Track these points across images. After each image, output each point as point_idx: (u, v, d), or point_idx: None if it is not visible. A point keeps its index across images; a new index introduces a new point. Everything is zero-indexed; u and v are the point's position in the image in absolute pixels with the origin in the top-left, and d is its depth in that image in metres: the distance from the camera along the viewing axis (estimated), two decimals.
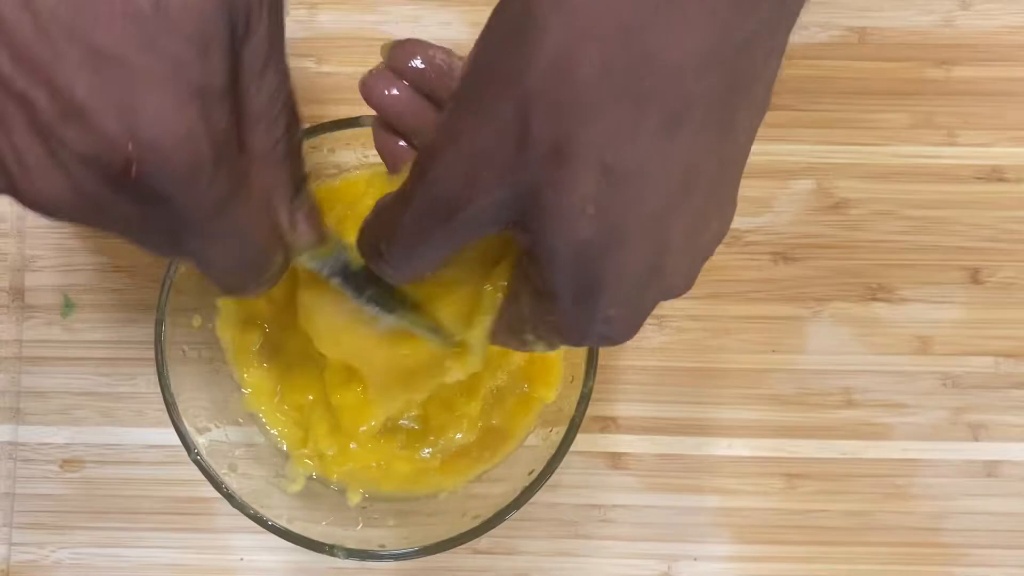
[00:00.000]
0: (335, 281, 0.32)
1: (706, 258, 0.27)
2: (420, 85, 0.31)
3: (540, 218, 0.25)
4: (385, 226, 0.28)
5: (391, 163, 0.32)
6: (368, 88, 0.31)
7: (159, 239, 0.26)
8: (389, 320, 0.33)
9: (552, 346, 0.29)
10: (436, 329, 0.33)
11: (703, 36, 0.24)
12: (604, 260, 0.25)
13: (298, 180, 0.29)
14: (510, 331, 0.30)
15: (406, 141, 0.32)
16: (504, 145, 0.25)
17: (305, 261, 0.31)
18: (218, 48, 0.24)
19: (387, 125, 0.32)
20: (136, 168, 0.24)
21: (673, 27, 0.23)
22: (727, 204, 0.27)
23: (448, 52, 0.31)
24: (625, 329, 0.27)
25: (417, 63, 0.31)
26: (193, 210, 0.25)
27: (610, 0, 0.23)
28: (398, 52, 0.31)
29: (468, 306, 0.31)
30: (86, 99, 0.23)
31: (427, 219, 0.27)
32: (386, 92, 0.31)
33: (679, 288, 0.27)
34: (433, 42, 0.31)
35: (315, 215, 0.30)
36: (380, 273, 0.29)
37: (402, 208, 0.27)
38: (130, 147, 0.23)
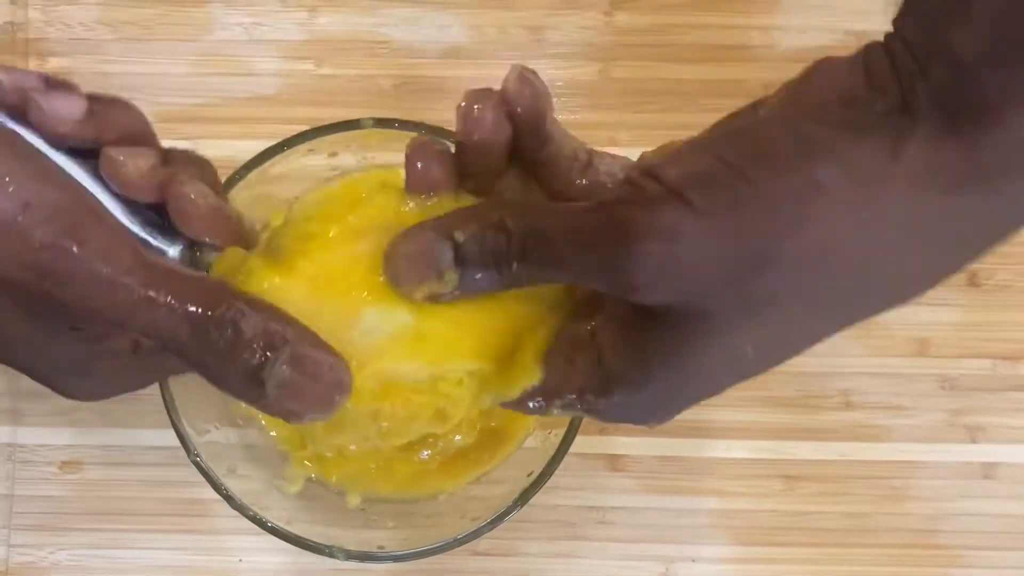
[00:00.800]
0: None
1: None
2: (519, 121, 0.29)
3: (724, 308, 0.27)
4: (539, 246, 0.27)
5: (419, 185, 0.30)
6: (470, 106, 0.29)
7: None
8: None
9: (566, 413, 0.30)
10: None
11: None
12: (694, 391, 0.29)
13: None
14: (552, 393, 0.30)
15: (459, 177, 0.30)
16: (751, 262, 0.26)
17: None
18: None
19: (456, 152, 0.29)
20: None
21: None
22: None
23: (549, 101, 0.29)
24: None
25: (530, 100, 0.28)
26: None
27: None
28: (523, 79, 0.29)
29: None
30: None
31: (608, 271, 0.26)
32: (490, 118, 0.28)
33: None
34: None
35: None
36: (499, 281, 0.27)
37: (579, 240, 0.27)
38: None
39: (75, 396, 0.31)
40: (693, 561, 0.45)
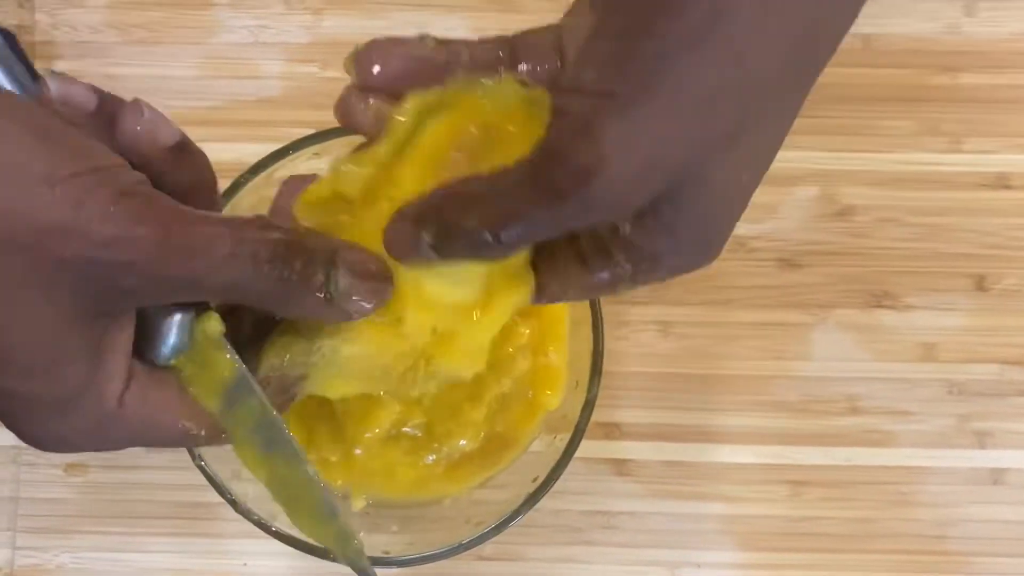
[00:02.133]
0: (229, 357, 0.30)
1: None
2: (406, 85, 0.29)
3: (700, 192, 0.26)
4: (500, 215, 0.26)
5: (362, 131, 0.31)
6: (343, 114, 0.30)
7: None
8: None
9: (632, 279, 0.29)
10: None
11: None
12: (710, 238, 0.28)
13: None
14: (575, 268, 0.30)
15: (385, 96, 0.30)
16: (690, 143, 0.25)
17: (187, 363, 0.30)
18: None
19: (361, 89, 0.30)
20: None
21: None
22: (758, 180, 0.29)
23: (417, 42, 0.30)
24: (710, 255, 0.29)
25: (389, 68, 0.30)
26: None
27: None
28: (362, 60, 0.30)
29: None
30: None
31: (568, 211, 0.26)
32: (362, 113, 0.30)
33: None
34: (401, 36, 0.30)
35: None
36: (477, 254, 0.27)
37: (531, 196, 0.26)
38: None
39: (42, 439, 0.30)
40: (699, 567, 0.45)
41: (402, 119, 0.30)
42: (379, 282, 0.29)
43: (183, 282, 0.26)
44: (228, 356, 0.29)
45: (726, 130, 0.26)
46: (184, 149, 0.29)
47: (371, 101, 0.30)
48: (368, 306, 0.29)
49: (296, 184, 0.33)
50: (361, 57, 0.30)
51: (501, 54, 0.30)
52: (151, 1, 0.48)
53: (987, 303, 0.46)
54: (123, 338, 0.28)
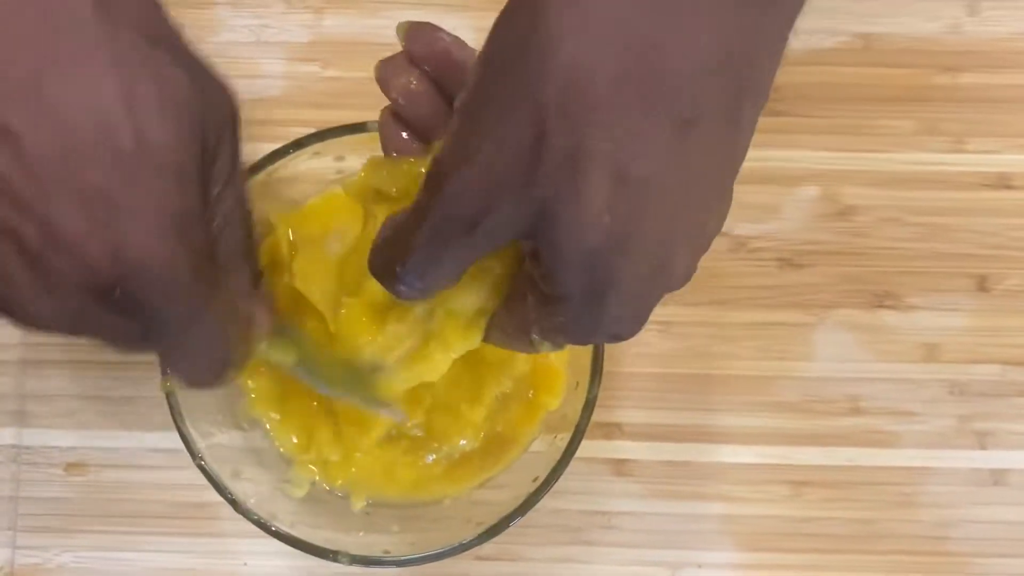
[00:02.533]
0: (297, 370, 0.33)
1: (705, 251, 0.28)
2: (435, 74, 0.31)
3: (554, 228, 0.25)
4: (400, 246, 0.28)
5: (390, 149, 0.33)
6: (385, 76, 0.32)
7: (133, 344, 0.28)
8: (347, 398, 0.34)
9: (558, 346, 0.29)
10: (385, 404, 0.34)
11: (712, 42, 0.24)
12: (616, 264, 0.25)
13: (256, 275, 0.31)
14: (514, 331, 0.30)
15: (415, 135, 0.32)
16: (519, 160, 0.25)
17: (265, 352, 0.32)
18: (192, 177, 0.26)
19: (397, 116, 0.32)
20: (121, 289, 0.26)
21: (683, 35, 0.24)
22: (726, 198, 0.28)
23: (460, 43, 0.31)
24: (632, 326, 0.28)
25: (434, 50, 0.31)
26: (171, 319, 0.27)
27: (620, 11, 0.24)
28: (415, 36, 0.31)
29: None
30: (75, 233, 0.25)
31: (443, 236, 0.27)
32: (403, 82, 0.31)
33: (680, 282, 0.28)
34: (445, 30, 0.32)
35: (271, 306, 0.32)
36: (396, 294, 0.29)
37: (416, 226, 0.27)
38: (116, 270, 0.25)
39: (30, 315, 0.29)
40: (699, 567, 0.45)
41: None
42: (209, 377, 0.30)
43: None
44: None
45: (562, 147, 0.25)
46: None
47: (404, 135, 0.32)
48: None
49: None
50: (412, 32, 0.32)
51: None
52: None
53: (989, 303, 0.46)
54: None
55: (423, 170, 0.29)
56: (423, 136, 0.32)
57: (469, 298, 0.30)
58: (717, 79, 0.25)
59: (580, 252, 0.25)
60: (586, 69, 0.24)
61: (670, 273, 0.27)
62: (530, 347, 0.30)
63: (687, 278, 0.28)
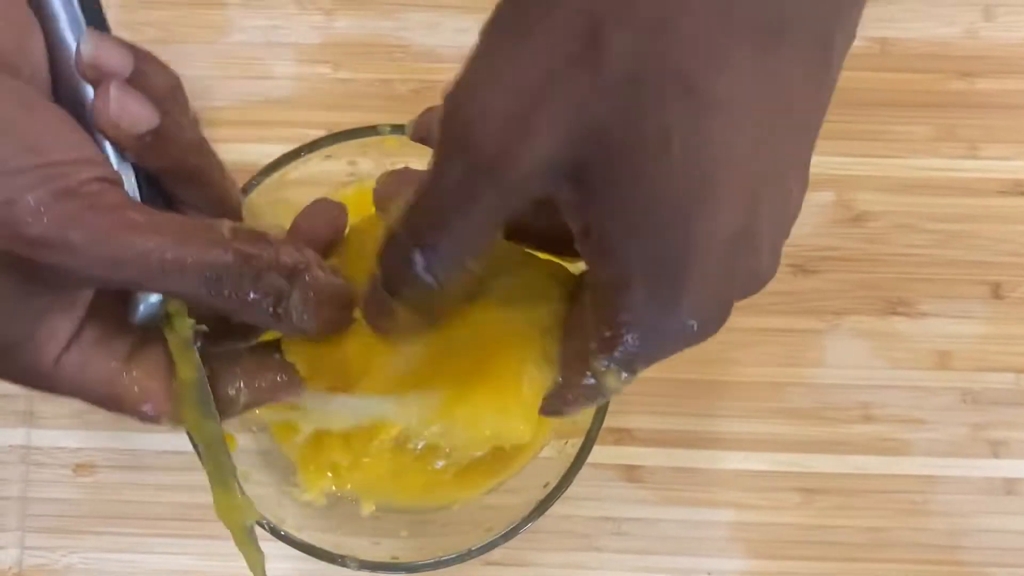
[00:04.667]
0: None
1: (786, 236, 0.22)
2: None
3: (610, 163, 0.20)
4: (416, 218, 0.23)
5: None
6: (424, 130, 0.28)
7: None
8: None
9: (627, 372, 0.24)
10: None
11: None
12: (692, 215, 0.20)
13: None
14: (573, 368, 0.25)
15: None
16: (566, 74, 0.19)
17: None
18: None
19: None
20: None
21: None
22: (805, 164, 0.22)
23: None
24: (716, 315, 0.22)
25: None
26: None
27: None
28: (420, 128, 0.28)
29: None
30: None
31: (467, 184, 0.21)
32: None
33: (768, 269, 0.22)
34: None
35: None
36: (419, 283, 0.24)
37: (431, 185, 0.22)
38: None
39: None
40: (709, 574, 0.44)
41: None
42: (336, 309, 0.28)
43: (119, 284, 0.25)
44: (191, 356, 0.29)
45: (621, 69, 0.19)
46: (162, 136, 0.27)
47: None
48: (324, 327, 0.27)
49: (321, 212, 0.31)
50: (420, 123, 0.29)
51: None
52: (163, 0, 0.47)
53: (1003, 311, 0.46)
54: (77, 302, 0.27)
55: None
56: None
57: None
58: None
59: (646, 196, 0.20)
60: None
61: (756, 247, 0.21)
62: (591, 395, 0.25)
63: (774, 266, 0.22)
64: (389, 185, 0.29)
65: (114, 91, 0.26)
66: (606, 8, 0.19)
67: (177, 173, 0.29)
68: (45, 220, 0.24)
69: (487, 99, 0.20)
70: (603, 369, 0.24)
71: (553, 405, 0.26)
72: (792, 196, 0.22)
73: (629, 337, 0.23)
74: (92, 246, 0.24)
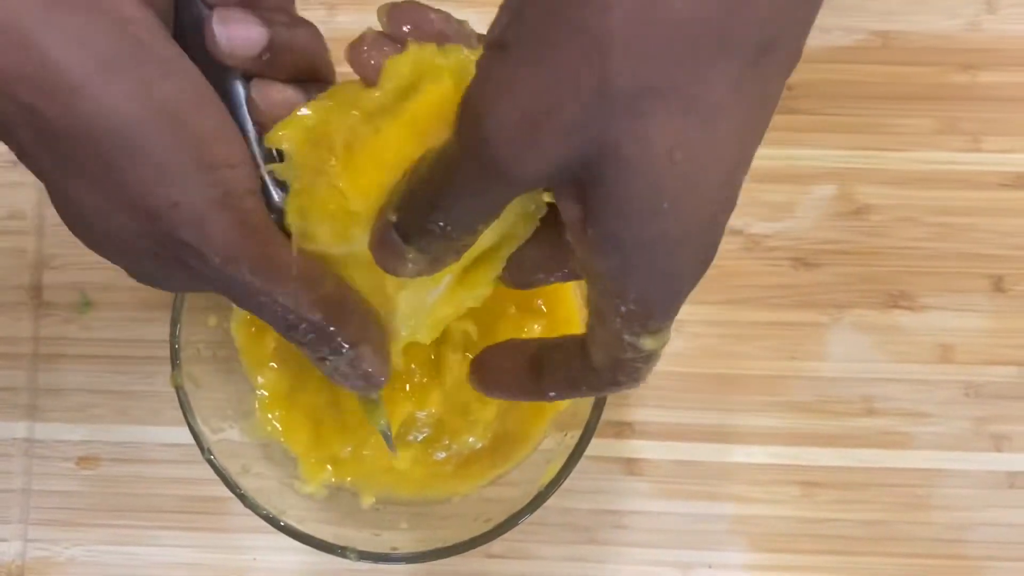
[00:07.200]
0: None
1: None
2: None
3: (613, 169, 0.23)
4: (425, 191, 0.26)
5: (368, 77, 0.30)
6: (356, 55, 0.30)
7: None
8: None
9: (658, 328, 0.26)
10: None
11: None
12: (685, 210, 0.23)
13: None
14: (615, 348, 0.26)
15: None
16: (576, 96, 0.22)
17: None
18: None
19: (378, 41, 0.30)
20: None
21: None
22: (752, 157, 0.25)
23: (448, 16, 0.30)
24: (713, 241, 0.25)
25: (415, 27, 0.29)
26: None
27: None
28: (396, 16, 0.30)
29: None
30: None
31: (477, 179, 0.24)
32: (373, 61, 0.29)
33: (708, 254, 0.25)
34: (432, 6, 0.30)
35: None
36: (426, 248, 0.26)
37: (446, 174, 0.25)
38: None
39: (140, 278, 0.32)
40: (710, 567, 0.44)
41: (402, 70, 0.29)
42: (369, 382, 0.32)
43: (222, 294, 0.30)
44: None
45: (626, 86, 0.22)
46: (277, 49, 0.29)
47: (386, 50, 0.30)
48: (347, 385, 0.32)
49: (267, 97, 0.31)
50: (394, 12, 0.30)
51: None
52: None
53: (1005, 304, 0.45)
54: None
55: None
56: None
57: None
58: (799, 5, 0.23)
59: (644, 198, 0.23)
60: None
61: (717, 238, 0.24)
62: (644, 361, 0.27)
63: (713, 249, 0.25)
64: (359, 52, 0.30)
65: (216, 23, 0.28)
66: (611, 28, 0.21)
67: (298, 78, 0.30)
68: (199, 231, 0.27)
69: (500, 113, 0.23)
70: (638, 337, 0.26)
71: (622, 382, 0.28)
72: (741, 182, 0.25)
73: (642, 302, 0.25)
74: (227, 264, 0.28)
